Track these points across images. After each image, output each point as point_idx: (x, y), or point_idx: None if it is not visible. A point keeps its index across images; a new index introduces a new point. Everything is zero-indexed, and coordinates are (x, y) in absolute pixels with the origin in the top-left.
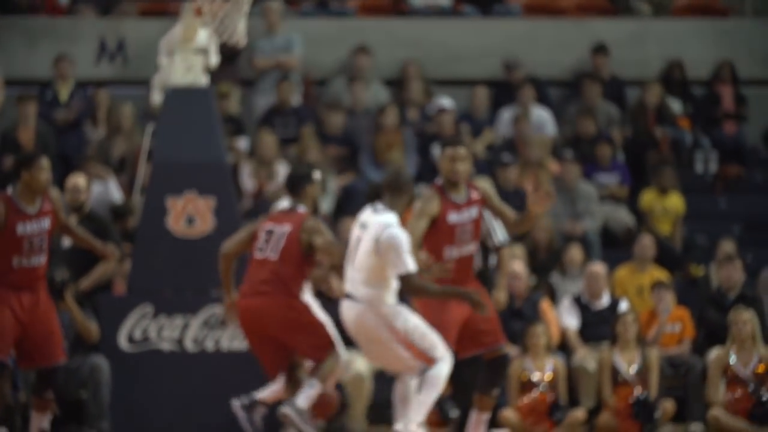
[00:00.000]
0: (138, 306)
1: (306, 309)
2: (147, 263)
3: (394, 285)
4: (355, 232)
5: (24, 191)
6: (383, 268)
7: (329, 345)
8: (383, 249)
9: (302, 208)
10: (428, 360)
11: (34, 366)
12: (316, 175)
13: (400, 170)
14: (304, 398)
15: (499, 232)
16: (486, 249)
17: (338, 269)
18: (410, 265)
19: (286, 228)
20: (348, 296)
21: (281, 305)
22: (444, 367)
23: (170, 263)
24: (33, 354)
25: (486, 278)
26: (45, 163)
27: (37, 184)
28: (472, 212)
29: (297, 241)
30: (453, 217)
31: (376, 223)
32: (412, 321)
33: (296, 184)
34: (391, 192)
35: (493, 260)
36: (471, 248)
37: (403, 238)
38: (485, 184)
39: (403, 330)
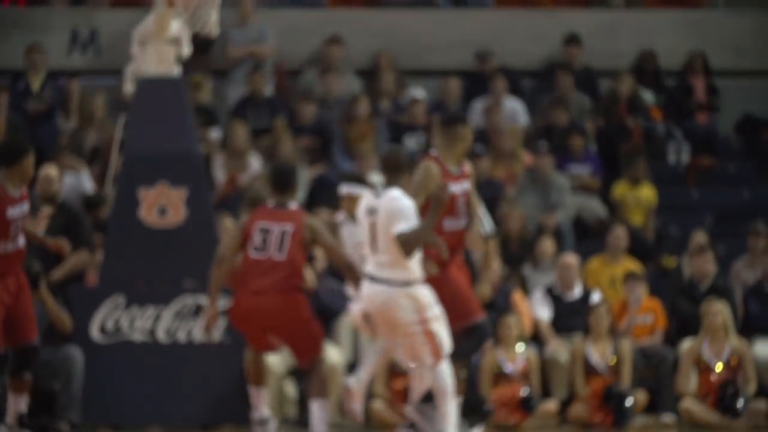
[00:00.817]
0: (110, 297)
1: (306, 305)
2: (119, 254)
3: (418, 262)
4: (365, 220)
5: (11, 177)
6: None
7: (319, 348)
8: (387, 214)
9: (294, 205)
10: (438, 357)
11: (13, 344)
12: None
13: (398, 149)
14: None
15: (485, 223)
16: None
17: (341, 267)
18: (403, 227)
19: (287, 227)
20: (374, 279)
21: (292, 303)
22: (446, 368)
23: (142, 254)
24: (13, 333)
25: (469, 269)
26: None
27: (29, 172)
28: (464, 185)
29: (302, 240)
30: (453, 187)
31: (384, 201)
32: (438, 311)
33: (286, 181)
34: (389, 171)
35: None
36: (463, 222)
37: (406, 204)
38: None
39: (430, 318)
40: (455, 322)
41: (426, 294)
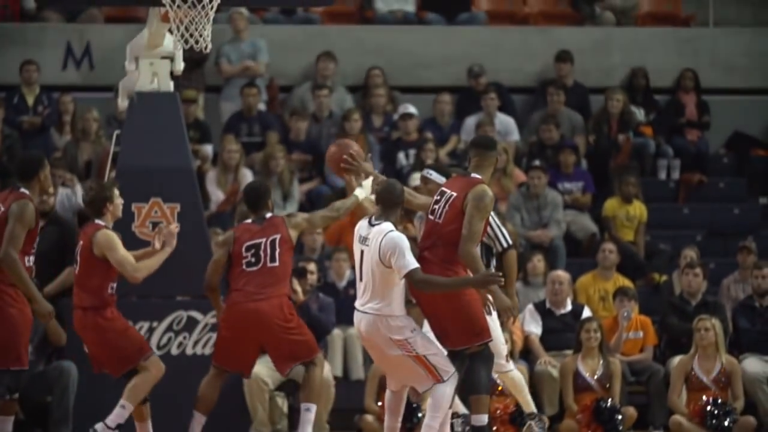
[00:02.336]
0: None
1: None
2: None
3: (402, 295)
4: (357, 247)
5: (32, 191)
6: (389, 278)
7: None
8: (386, 254)
9: (269, 214)
10: (437, 378)
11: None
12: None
13: (394, 184)
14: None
15: (503, 236)
16: (490, 252)
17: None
18: (412, 263)
19: (275, 236)
20: (358, 309)
21: (287, 306)
22: (450, 387)
23: None
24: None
25: None
26: None
27: (47, 184)
28: None
29: (291, 246)
30: None
31: (375, 233)
32: (422, 337)
33: (258, 199)
34: (384, 204)
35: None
36: None
37: (402, 239)
38: None
39: (413, 343)
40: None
41: (403, 320)
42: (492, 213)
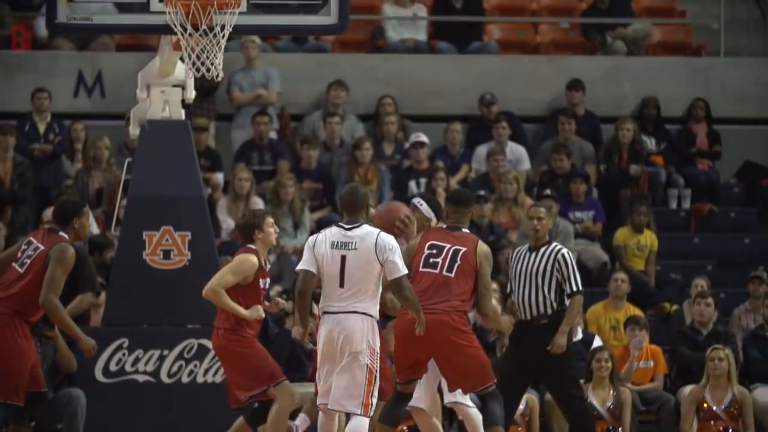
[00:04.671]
0: (114, 339)
1: None
2: (123, 296)
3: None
4: (332, 253)
5: (71, 236)
6: (375, 279)
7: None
8: (383, 252)
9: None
10: (366, 406)
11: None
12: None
13: (355, 186)
14: None
15: (578, 281)
16: (562, 292)
17: None
18: (404, 268)
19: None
20: (338, 312)
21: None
22: (365, 424)
23: (146, 297)
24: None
25: (558, 320)
26: None
27: (83, 231)
28: None
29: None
30: None
31: (360, 235)
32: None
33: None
34: (351, 209)
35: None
36: None
37: (396, 242)
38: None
39: (376, 355)
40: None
41: (377, 329)
42: (569, 254)
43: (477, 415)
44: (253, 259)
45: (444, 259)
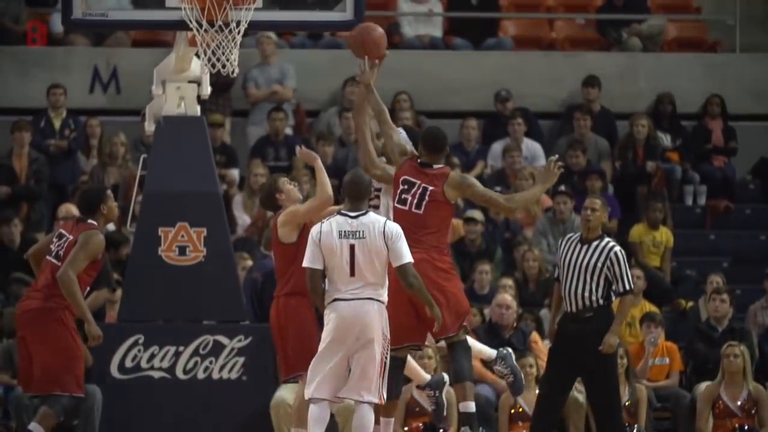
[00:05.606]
0: (129, 335)
1: None
2: (138, 292)
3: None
4: (340, 243)
5: (102, 222)
6: (384, 265)
7: None
8: (390, 239)
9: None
10: (379, 394)
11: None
12: None
13: (360, 174)
14: None
15: (630, 280)
16: (610, 290)
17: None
18: (409, 255)
19: None
20: (353, 299)
21: None
22: (372, 413)
23: (162, 293)
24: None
25: (606, 317)
26: None
27: (111, 214)
28: None
29: None
30: None
31: (367, 222)
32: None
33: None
34: (355, 196)
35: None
36: None
37: (400, 228)
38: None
39: (387, 344)
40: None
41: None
42: (622, 252)
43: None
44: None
45: (413, 196)
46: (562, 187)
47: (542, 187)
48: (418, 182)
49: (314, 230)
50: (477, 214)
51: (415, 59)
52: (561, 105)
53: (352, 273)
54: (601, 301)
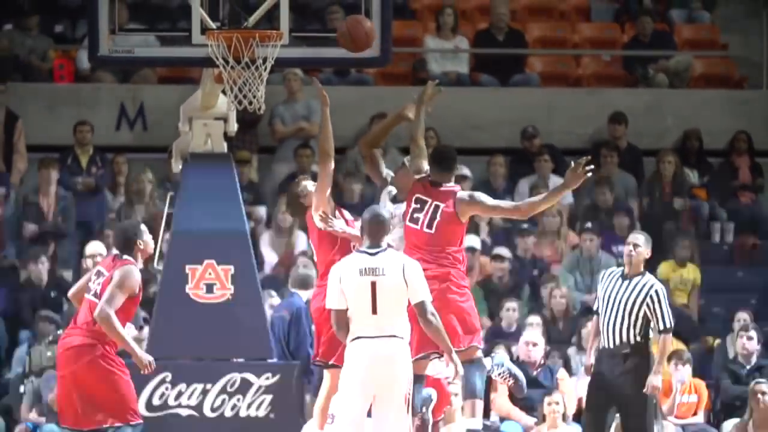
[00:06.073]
0: (157, 373)
1: None
2: (166, 330)
3: None
4: (361, 280)
5: (139, 257)
6: (405, 302)
7: None
8: (410, 276)
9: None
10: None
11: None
12: None
13: (378, 210)
14: None
15: (670, 318)
16: (648, 327)
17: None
18: (428, 293)
19: None
20: (377, 337)
21: None
22: None
23: (189, 330)
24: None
25: (642, 354)
26: None
27: (151, 247)
28: None
29: None
30: None
31: (387, 259)
32: None
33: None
34: (376, 234)
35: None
36: None
37: (420, 266)
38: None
39: (410, 390)
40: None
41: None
42: (663, 290)
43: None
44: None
45: (425, 215)
46: (589, 224)
47: (563, 188)
48: (430, 200)
49: (333, 271)
50: (504, 252)
51: (441, 96)
52: (587, 142)
53: (374, 310)
54: (639, 338)
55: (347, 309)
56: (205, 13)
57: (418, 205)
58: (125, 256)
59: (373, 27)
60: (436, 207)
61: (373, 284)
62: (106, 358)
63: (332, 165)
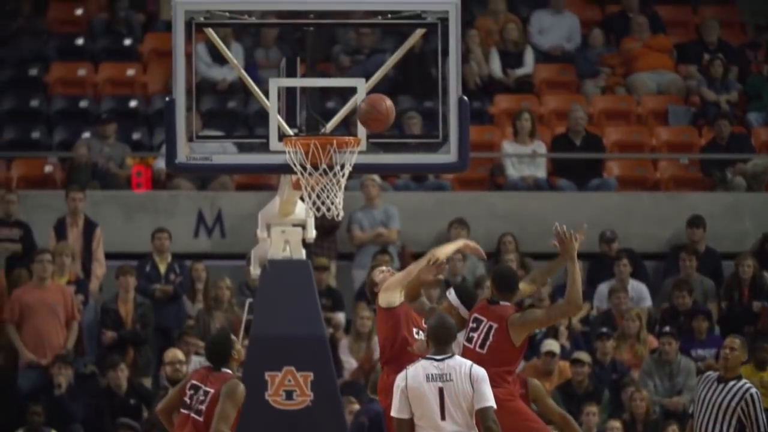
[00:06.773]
0: None
1: None
2: None
3: None
4: (428, 387)
5: (234, 367)
6: (472, 409)
7: None
8: (476, 382)
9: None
10: None
11: None
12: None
13: (445, 317)
14: None
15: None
16: (742, 429)
17: None
18: (493, 400)
19: None
20: None
21: None
22: None
23: None
24: None
25: None
26: None
27: (242, 357)
28: None
29: None
30: None
31: (454, 366)
32: None
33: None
34: (441, 341)
35: None
36: None
37: (486, 373)
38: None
39: None
40: None
41: None
42: (758, 394)
43: None
44: None
45: (479, 335)
46: (667, 328)
47: (570, 263)
48: (485, 320)
49: (399, 378)
50: (584, 356)
51: (519, 201)
52: (666, 245)
53: (443, 417)
54: None
55: (411, 417)
56: (283, 119)
57: (475, 324)
58: (224, 369)
59: (392, 106)
60: (490, 327)
61: (441, 390)
62: None
63: None
